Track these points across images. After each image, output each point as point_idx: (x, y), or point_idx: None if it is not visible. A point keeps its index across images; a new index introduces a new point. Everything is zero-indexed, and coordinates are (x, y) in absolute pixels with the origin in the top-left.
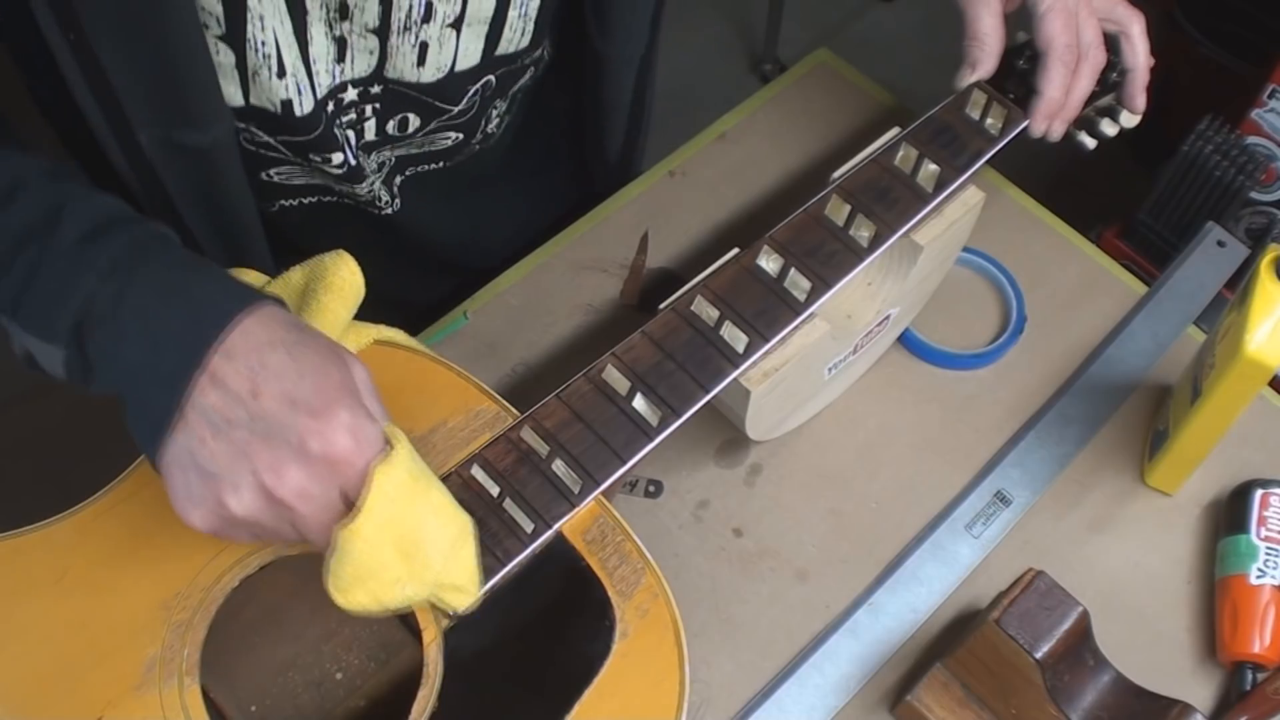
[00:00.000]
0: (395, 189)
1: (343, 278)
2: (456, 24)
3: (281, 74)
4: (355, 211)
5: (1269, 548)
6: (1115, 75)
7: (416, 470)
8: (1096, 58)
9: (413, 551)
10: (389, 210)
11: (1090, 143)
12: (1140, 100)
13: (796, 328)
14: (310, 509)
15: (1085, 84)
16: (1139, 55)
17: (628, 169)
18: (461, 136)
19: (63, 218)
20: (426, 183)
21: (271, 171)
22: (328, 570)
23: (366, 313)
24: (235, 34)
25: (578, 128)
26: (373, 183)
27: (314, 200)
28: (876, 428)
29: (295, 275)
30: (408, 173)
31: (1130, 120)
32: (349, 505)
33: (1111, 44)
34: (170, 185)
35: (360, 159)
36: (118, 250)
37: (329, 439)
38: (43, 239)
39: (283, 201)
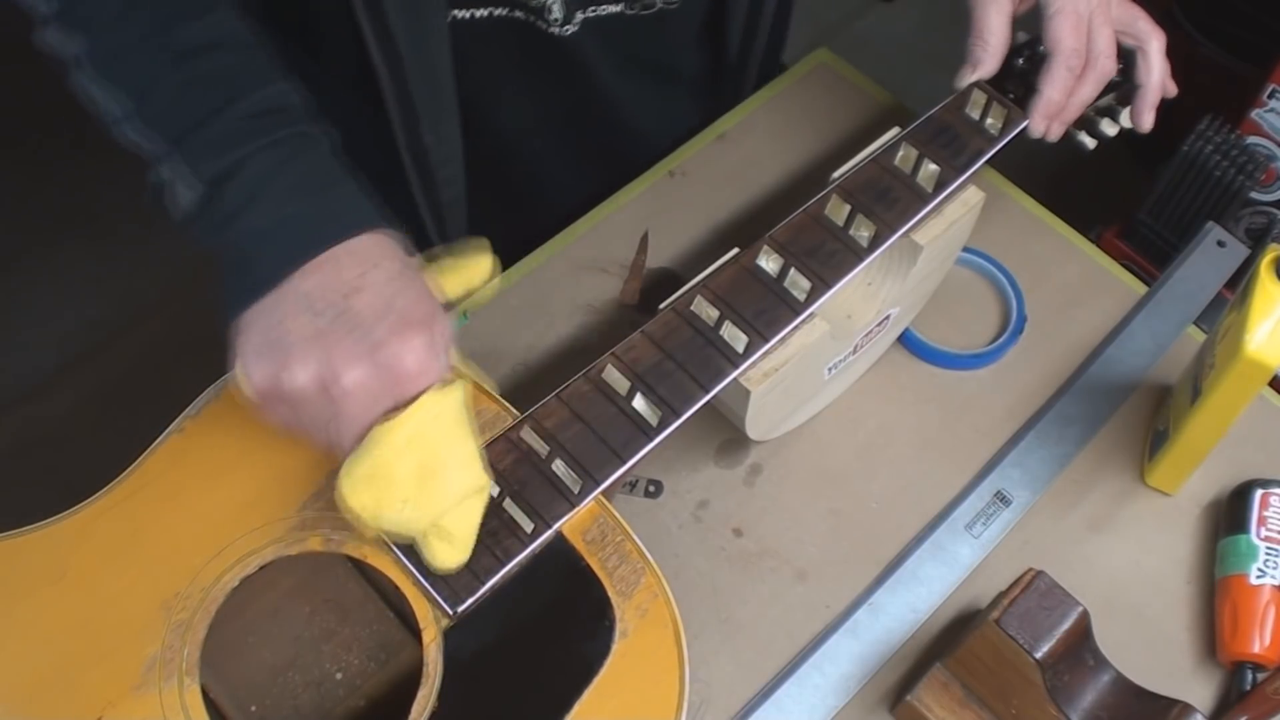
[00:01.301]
0: (571, 11)
1: (477, 261)
2: None
3: None
4: (525, 32)
5: (1269, 548)
6: (1120, 79)
7: (463, 416)
8: (1105, 67)
9: (428, 479)
10: (557, 29)
11: (1090, 143)
12: (1147, 119)
13: (796, 328)
14: (355, 409)
15: (1089, 90)
16: (1153, 73)
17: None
18: None
19: (248, 89)
20: (605, 25)
21: None
22: (347, 463)
23: None
24: None
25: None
26: None
27: (485, 14)
28: (876, 428)
29: (438, 250)
30: (590, 11)
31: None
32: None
33: (1127, 58)
34: None
35: None
36: (285, 135)
37: (400, 354)
38: (226, 98)
39: (457, 12)
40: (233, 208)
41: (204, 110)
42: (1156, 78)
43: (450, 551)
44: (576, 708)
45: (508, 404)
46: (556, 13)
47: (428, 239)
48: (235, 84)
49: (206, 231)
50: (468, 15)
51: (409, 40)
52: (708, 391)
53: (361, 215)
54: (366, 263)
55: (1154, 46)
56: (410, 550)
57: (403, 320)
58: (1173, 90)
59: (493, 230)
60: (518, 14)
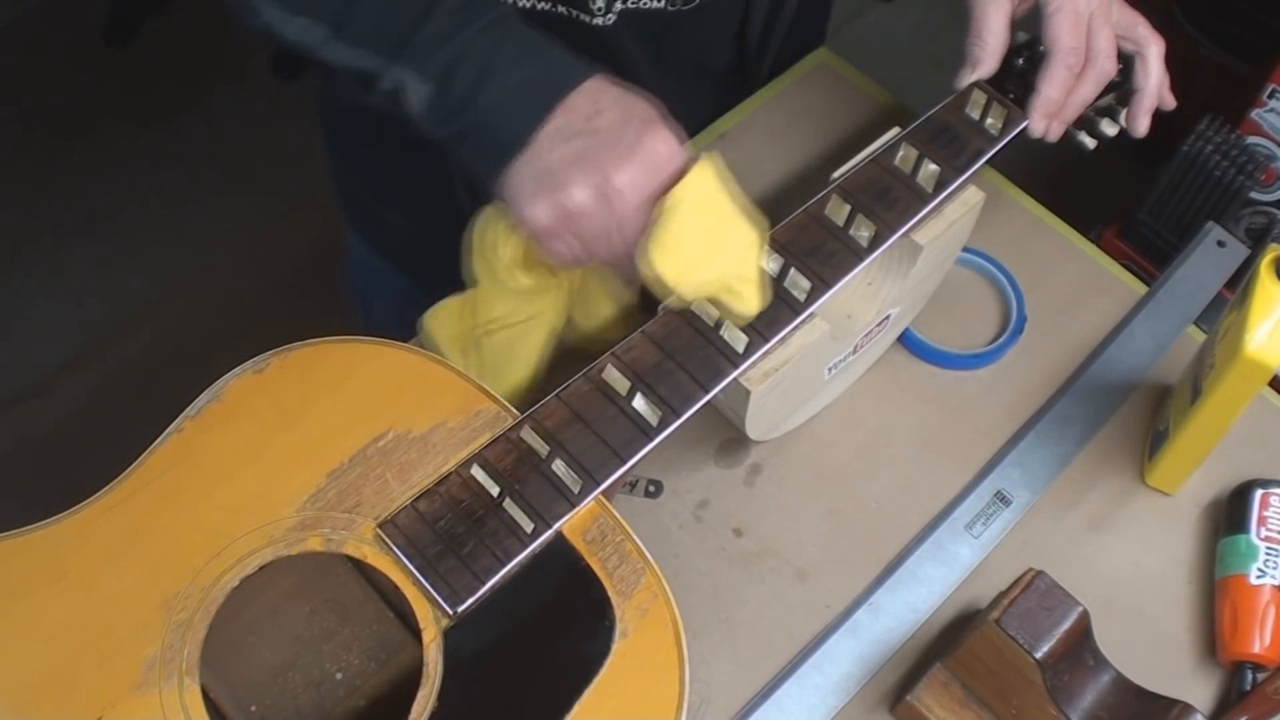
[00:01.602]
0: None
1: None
2: None
3: None
4: (566, 25)
5: (1269, 548)
6: (1120, 79)
7: (725, 181)
8: (1104, 67)
9: (716, 238)
10: (599, 20)
11: (1090, 143)
12: (1142, 124)
13: (796, 328)
14: (633, 204)
15: (1088, 90)
16: (1150, 78)
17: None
18: None
19: None
20: (643, 18)
21: None
22: (648, 242)
23: None
24: None
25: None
26: None
27: (529, 4)
28: (876, 428)
29: None
30: (629, 3)
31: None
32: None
33: (1126, 63)
34: None
35: None
36: (493, 15)
37: (654, 146)
38: (430, 3)
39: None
40: (465, 92)
41: (411, 17)
42: (1153, 83)
43: (746, 298)
44: (576, 708)
45: (508, 404)
46: (600, 1)
47: (461, 212)
48: None
49: (443, 120)
50: (511, 3)
51: None
52: (708, 391)
53: (578, 66)
54: (595, 93)
55: (1153, 52)
56: (411, 550)
57: (644, 121)
58: (1171, 103)
59: None
60: (560, 9)
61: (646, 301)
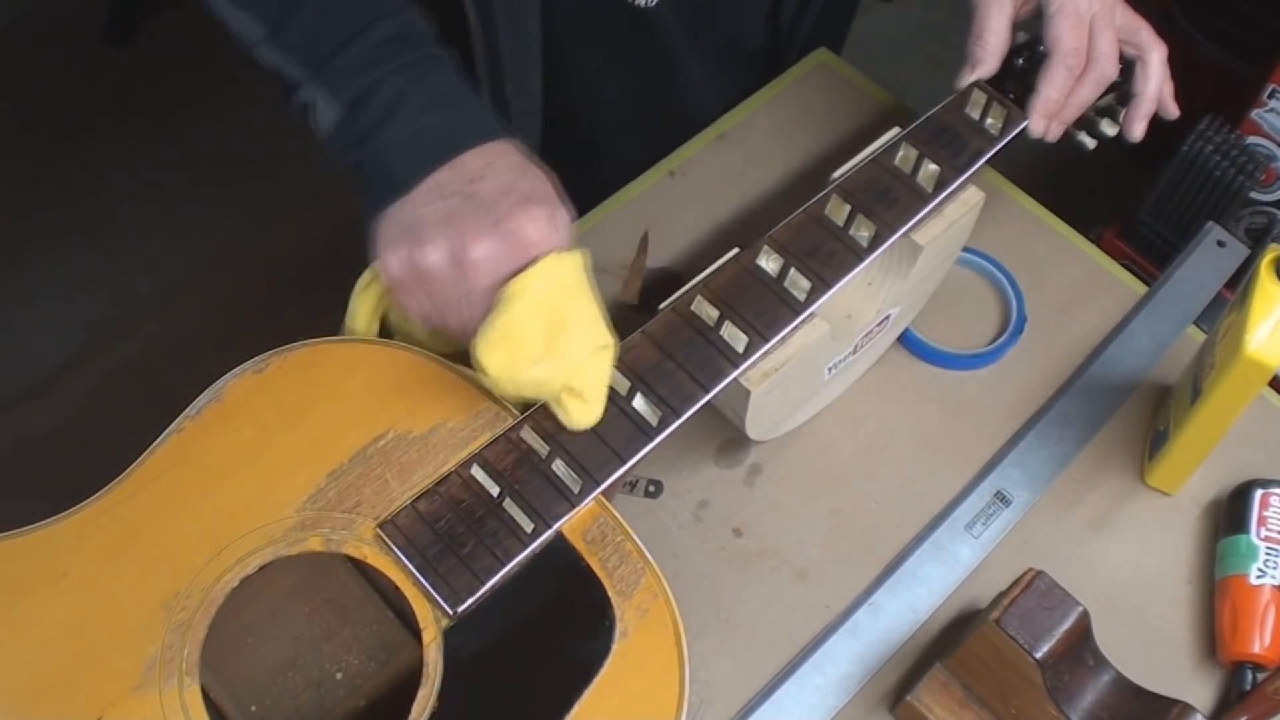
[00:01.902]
0: None
1: None
2: None
3: None
4: (610, 6)
5: (1269, 548)
6: (1121, 80)
7: (584, 278)
8: (1105, 69)
9: (557, 336)
10: (642, 1)
11: (1090, 143)
12: (1139, 128)
13: (796, 328)
14: (484, 280)
15: (1088, 91)
16: (1150, 82)
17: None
18: None
19: (381, 15)
20: (683, 1)
21: None
22: (480, 329)
23: None
24: None
25: None
26: None
27: None
28: (876, 428)
29: None
30: None
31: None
32: None
33: (1127, 66)
34: None
35: None
36: (414, 57)
37: (522, 225)
38: (361, 25)
39: None
40: (371, 124)
41: (341, 36)
42: (1153, 88)
43: (584, 409)
44: (576, 708)
45: (508, 404)
46: None
47: None
48: (368, 10)
49: (345, 148)
50: None
51: None
52: (708, 391)
53: (489, 124)
54: (490, 157)
55: (1155, 58)
56: (411, 550)
57: (523, 197)
58: (1174, 112)
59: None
60: None
61: (646, 301)
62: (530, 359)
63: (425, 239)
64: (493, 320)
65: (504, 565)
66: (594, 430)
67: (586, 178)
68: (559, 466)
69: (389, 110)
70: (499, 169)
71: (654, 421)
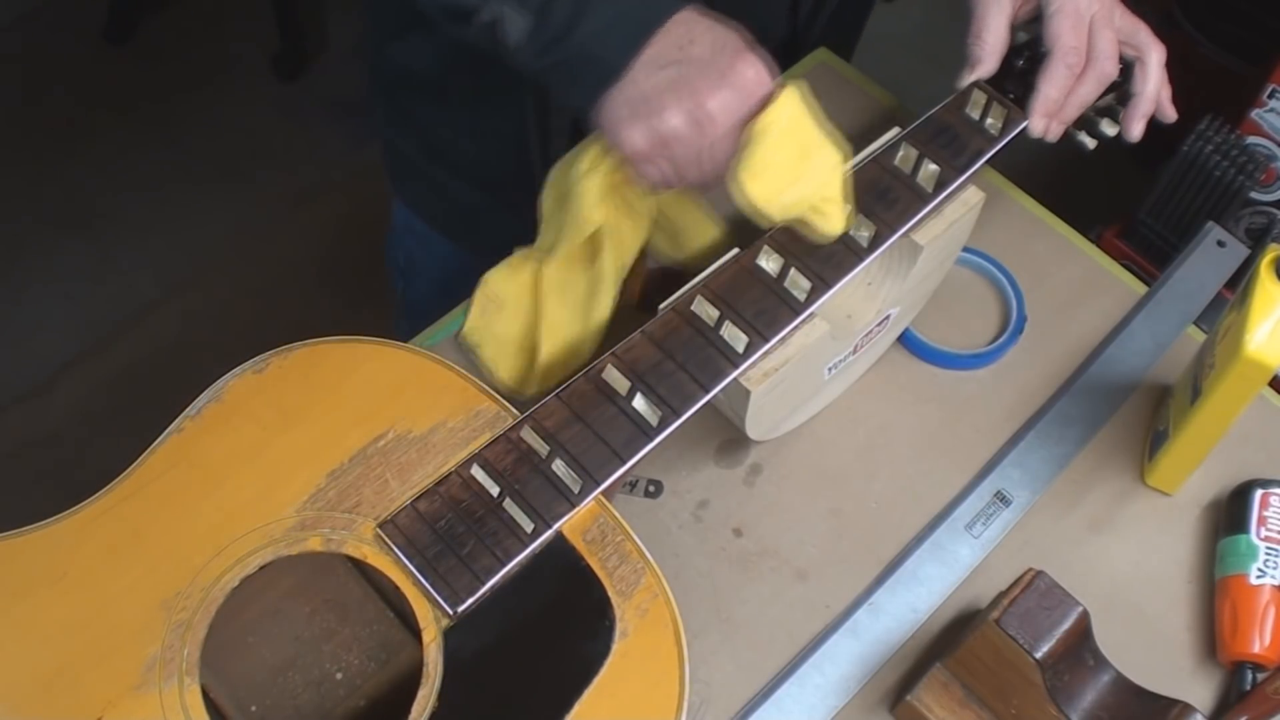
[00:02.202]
0: None
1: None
2: None
3: None
4: None
5: (1269, 548)
6: (1121, 80)
7: (809, 108)
8: (1105, 69)
9: (805, 158)
10: None
11: (1090, 143)
12: (1137, 128)
13: (796, 328)
14: (725, 126)
15: (1088, 91)
16: (1148, 83)
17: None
18: None
19: None
20: None
21: None
22: (738, 168)
23: None
24: None
25: None
26: None
27: None
28: (876, 428)
29: None
30: None
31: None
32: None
33: (1126, 66)
34: None
35: None
36: None
37: (744, 72)
38: None
39: None
40: (563, 23)
41: None
42: (1151, 88)
43: (833, 217)
44: (576, 708)
45: (508, 404)
46: None
47: (530, 163)
48: None
49: (539, 53)
50: None
51: None
52: (708, 391)
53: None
54: (688, 24)
55: (1154, 58)
56: (411, 550)
57: (735, 49)
58: (1171, 115)
59: None
60: None
61: (646, 301)
62: (787, 184)
63: (662, 107)
64: (749, 156)
65: (504, 565)
66: (594, 430)
67: None
68: (559, 466)
69: (578, 7)
70: (701, 31)
71: (654, 421)
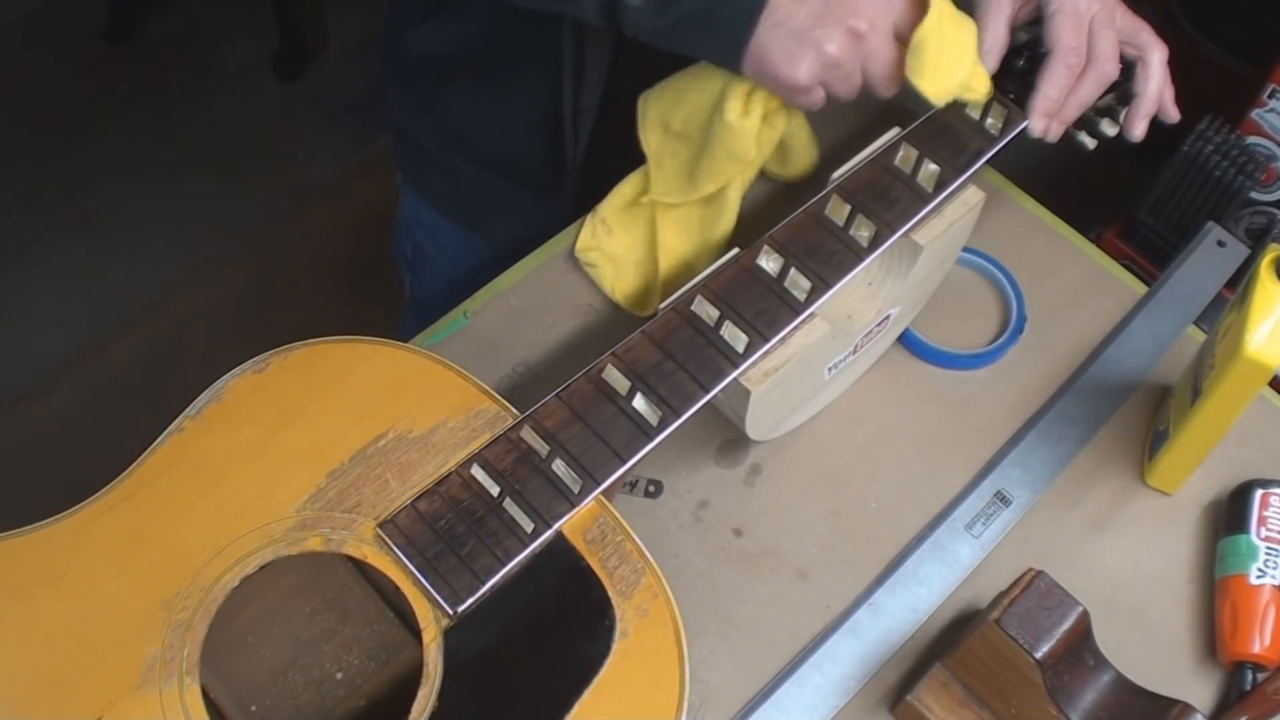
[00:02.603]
0: None
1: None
2: None
3: None
4: None
5: (1269, 548)
6: (1121, 79)
7: (955, 8)
8: (1105, 69)
9: (956, 55)
10: None
11: (1090, 143)
12: (1139, 127)
13: (796, 328)
14: (881, 36)
15: (1088, 91)
16: (1151, 82)
17: None
18: None
19: None
20: None
21: None
22: (910, 71)
23: None
24: None
25: None
26: None
27: None
28: (876, 428)
29: None
30: None
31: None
32: (902, 41)
33: (1128, 67)
34: None
35: None
36: None
37: None
38: None
39: None
40: None
41: None
42: (1154, 87)
43: (985, 85)
44: (576, 708)
45: (508, 404)
46: None
47: (563, 143)
48: None
49: (663, 8)
50: None
51: None
52: (708, 391)
53: None
54: None
55: (1155, 58)
56: (411, 550)
57: None
58: (1174, 115)
59: (607, 150)
60: None
61: (646, 300)
62: (950, 75)
63: (821, 37)
64: (920, 65)
65: (504, 565)
66: (594, 430)
67: (624, 149)
68: (559, 466)
69: None
70: None
71: (654, 421)
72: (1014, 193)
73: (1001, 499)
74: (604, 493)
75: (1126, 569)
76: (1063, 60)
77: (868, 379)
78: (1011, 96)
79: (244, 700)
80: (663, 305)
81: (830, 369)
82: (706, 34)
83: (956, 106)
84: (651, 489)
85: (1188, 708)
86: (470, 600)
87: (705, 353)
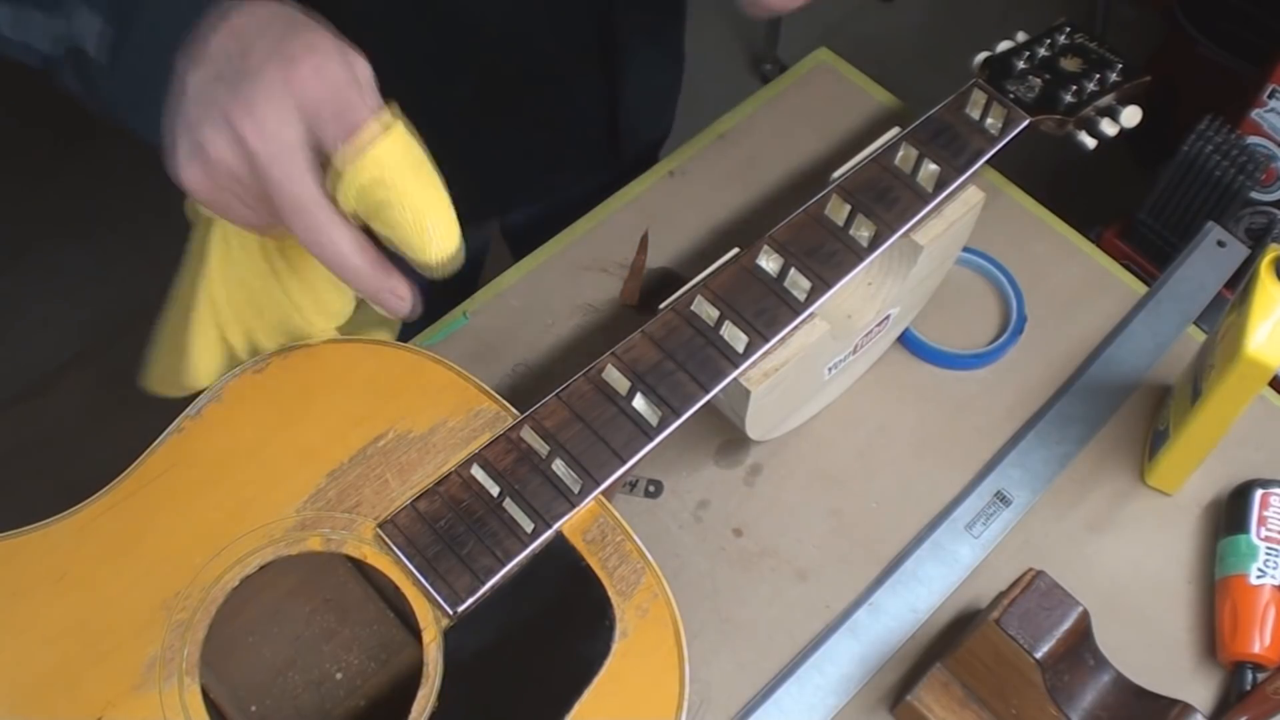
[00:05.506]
0: None
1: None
2: None
3: None
4: None
5: (1269, 548)
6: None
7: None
8: None
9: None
10: None
11: (1090, 143)
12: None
13: (796, 328)
14: (276, 147)
15: None
16: None
17: None
18: None
19: None
20: None
21: None
22: (342, 202)
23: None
24: None
25: None
26: None
27: None
28: (876, 428)
29: None
30: None
31: (1130, 119)
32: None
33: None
34: None
35: None
36: None
37: (301, 74)
38: None
39: None
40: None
41: None
42: None
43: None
44: (576, 708)
45: (508, 404)
46: None
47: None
48: None
49: (111, 63)
50: None
51: None
52: (708, 391)
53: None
54: (249, 26)
55: None
56: (410, 550)
57: (293, 53)
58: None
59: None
60: None
61: (646, 301)
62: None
63: (204, 129)
64: (364, 204)
65: (504, 565)
66: (594, 430)
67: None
68: (559, 466)
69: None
70: (254, 34)
71: (654, 421)
72: (1014, 193)
73: (1001, 499)
74: (604, 493)
75: (1126, 569)
76: None
77: (868, 379)
78: (1011, 96)
79: (244, 700)
80: (663, 305)
81: (830, 369)
82: (137, 106)
83: (957, 106)
84: (651, 489)
85: (1188, 708)
86: (470, 600)
87: (705, 353)
